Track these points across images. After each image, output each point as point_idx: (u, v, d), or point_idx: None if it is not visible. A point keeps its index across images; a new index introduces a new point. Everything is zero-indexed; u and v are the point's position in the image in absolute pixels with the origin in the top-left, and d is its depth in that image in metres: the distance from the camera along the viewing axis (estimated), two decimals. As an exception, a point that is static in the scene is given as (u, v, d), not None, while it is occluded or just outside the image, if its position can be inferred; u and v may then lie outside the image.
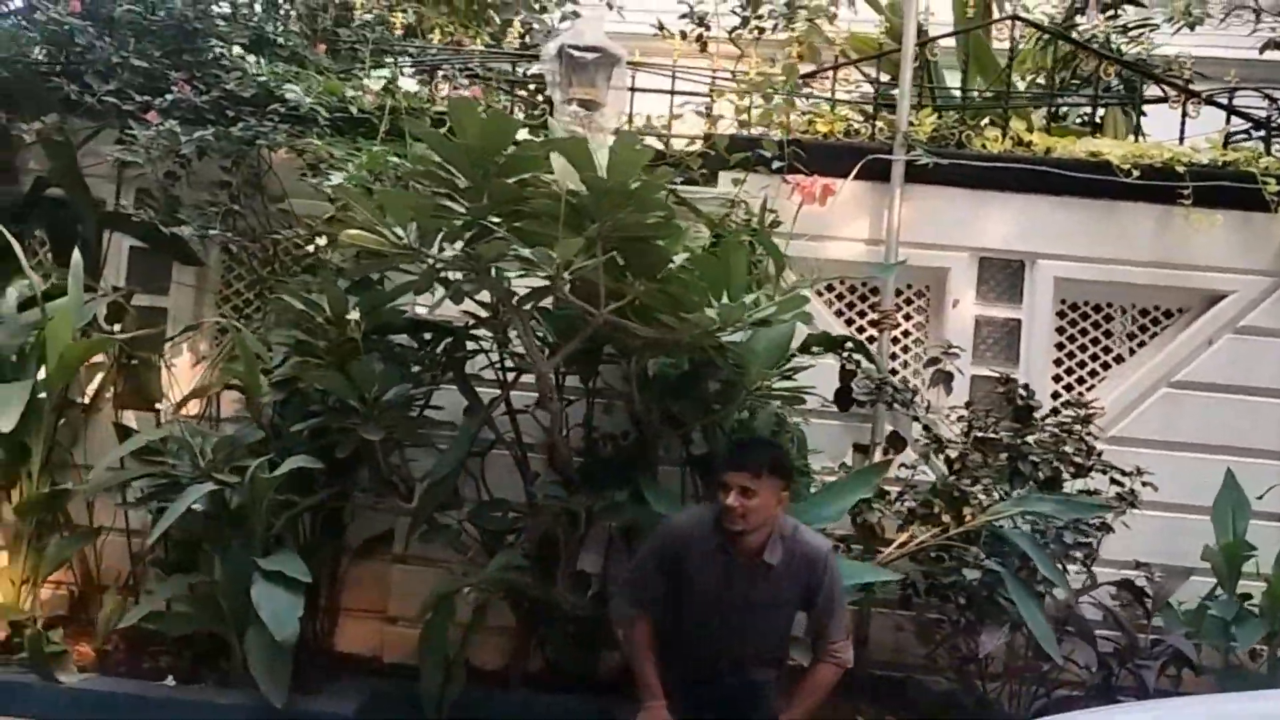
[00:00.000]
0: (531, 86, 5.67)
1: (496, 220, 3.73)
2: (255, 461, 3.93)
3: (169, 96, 4.73)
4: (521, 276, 3.79)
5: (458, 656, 4.12)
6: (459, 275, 3.82)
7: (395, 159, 4.28)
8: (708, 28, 6.56)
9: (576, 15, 6.49)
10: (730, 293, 3.39)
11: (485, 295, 4.12)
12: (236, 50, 4.81)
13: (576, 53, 5.22)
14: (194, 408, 4.93)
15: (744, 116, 5.13)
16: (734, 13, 6.60)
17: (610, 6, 6.63)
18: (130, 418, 4.98)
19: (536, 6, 6.26)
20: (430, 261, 3.73)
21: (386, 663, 4.80)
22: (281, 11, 5.03)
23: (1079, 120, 6.05)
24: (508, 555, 4.16)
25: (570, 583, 4.39)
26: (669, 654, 3.40)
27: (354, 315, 3.88)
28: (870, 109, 5.47)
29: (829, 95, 5.49)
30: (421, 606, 4.13)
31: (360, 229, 3.56)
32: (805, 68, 5.68)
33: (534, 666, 4.67)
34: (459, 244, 3.78)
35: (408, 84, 5.38)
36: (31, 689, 3.86)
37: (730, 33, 6.64)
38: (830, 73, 5.50)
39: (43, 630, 3.97)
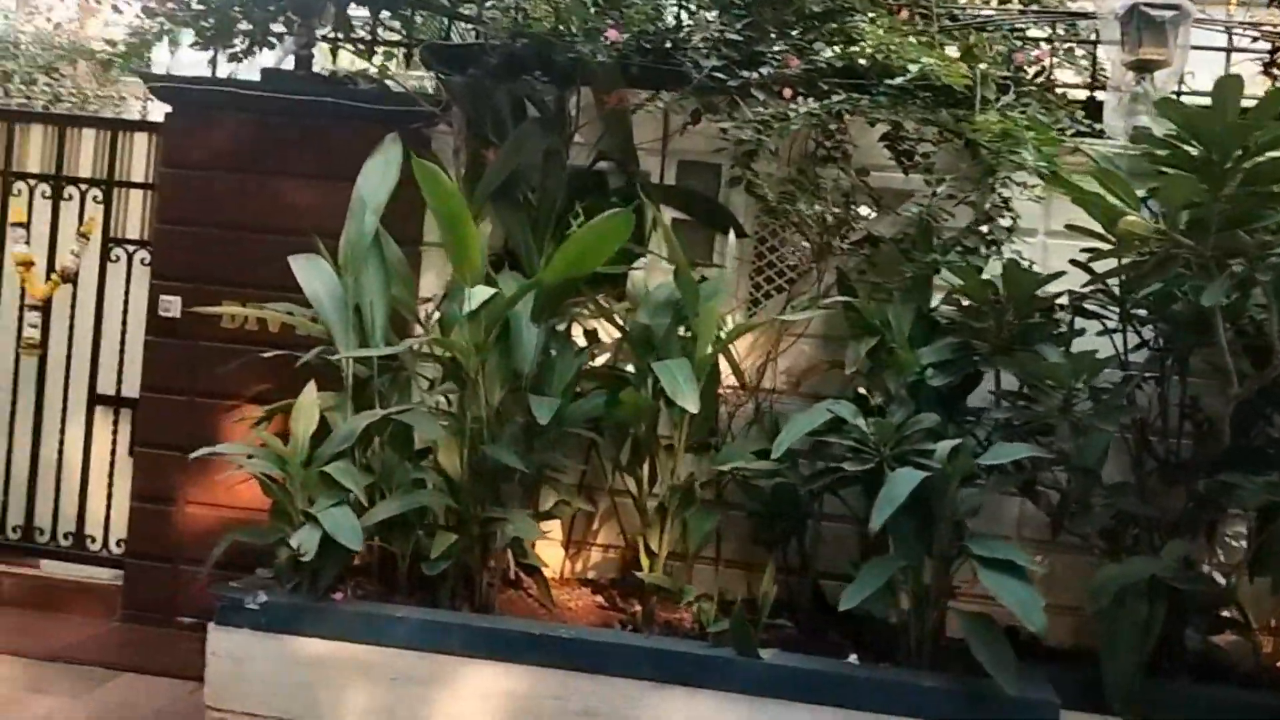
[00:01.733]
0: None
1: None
2: (941, 445, 3.89)
3: (762, 71, 4.68)
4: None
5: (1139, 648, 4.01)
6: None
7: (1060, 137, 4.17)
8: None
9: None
10: None
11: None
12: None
13: (1154, 11, 4.96)
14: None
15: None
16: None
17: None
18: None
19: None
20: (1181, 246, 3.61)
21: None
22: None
23: None
24: (1180, 544, 4.03)
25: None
26: None
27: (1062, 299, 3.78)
28: None
29: None
30: (1094, 597, 4.02)
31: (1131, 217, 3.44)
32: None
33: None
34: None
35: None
36: (733, 664, 3.93)
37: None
38: None
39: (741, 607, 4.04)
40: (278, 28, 5.62)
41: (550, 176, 5.14)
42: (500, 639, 4.08)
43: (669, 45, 4.63)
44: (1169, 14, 4.96)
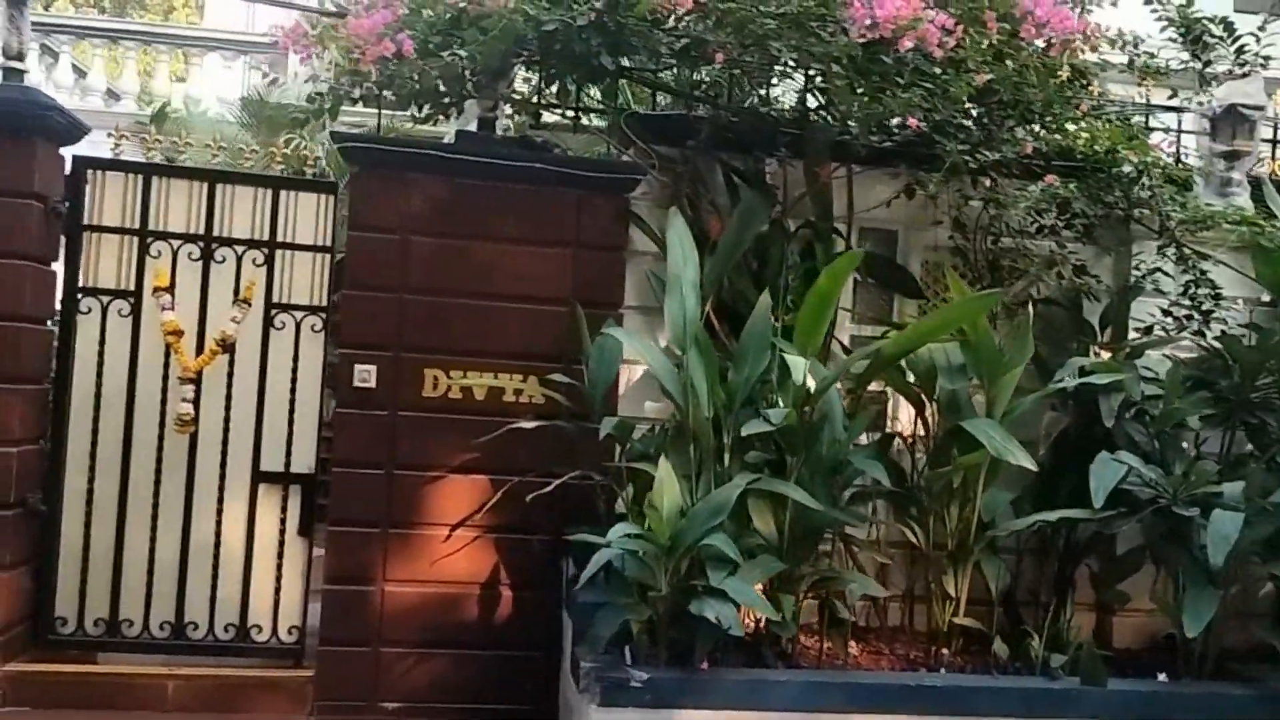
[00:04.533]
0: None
1: None
2: (1228, 487, 4.60)
3: (993, 155, 5.22)
4: None
5: None
6: None
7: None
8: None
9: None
10: None
11: None
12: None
13: (1247, 110, 6.03)
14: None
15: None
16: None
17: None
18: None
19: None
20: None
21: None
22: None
23: None
24: None
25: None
26: None
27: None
28: None
29: None
30: None
31: None
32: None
33: None
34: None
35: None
36: (1087, 695, 4.42)
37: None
38: None
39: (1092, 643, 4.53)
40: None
41: (774, 244, 5.42)
42: (881, 693, 4.35)
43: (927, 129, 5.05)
44: (1256, 114, 6.07)
